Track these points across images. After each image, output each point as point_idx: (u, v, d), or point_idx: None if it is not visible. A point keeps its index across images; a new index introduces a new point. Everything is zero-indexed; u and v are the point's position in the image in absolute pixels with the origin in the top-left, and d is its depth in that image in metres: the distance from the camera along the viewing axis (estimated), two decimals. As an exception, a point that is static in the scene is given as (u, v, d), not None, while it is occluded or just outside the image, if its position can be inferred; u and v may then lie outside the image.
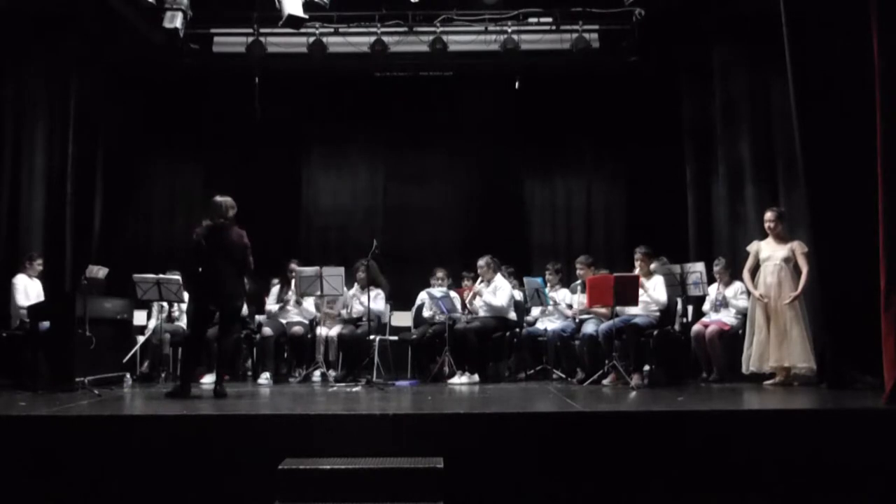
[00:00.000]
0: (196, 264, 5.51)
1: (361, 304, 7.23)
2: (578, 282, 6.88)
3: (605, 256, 9.09)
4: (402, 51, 8.66)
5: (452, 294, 7.18)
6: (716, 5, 7.65)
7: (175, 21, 6.80)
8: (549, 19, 8.53)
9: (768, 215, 6.15)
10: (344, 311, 7.40)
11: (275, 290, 7.46)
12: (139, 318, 7.39)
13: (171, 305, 7.30)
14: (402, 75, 9.33)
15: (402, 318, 7.89)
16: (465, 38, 8.63)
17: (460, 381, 6.56)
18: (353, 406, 4.88)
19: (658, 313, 6.42)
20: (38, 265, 6.92)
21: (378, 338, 7.25)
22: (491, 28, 8.51)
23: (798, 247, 5.95)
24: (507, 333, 7.25)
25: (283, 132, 9.41)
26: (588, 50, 8.48)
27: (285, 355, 7.47)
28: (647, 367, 6.43)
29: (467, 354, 6.73)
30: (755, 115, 7.43)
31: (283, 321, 7.28)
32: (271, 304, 7.41)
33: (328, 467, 3.79)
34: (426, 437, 4.02)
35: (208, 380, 6.37)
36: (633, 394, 5.62)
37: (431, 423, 4.18)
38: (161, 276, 6.91)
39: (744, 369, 6.11)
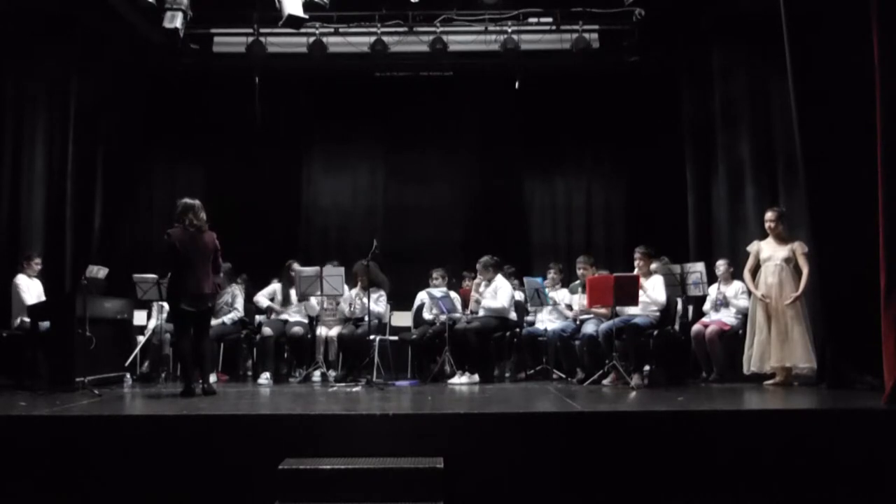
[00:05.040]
0: (170, 267, 5.51)
1: (363, 304, 7.22)
2: (578, 282, 6.88)
3: (605, 256, 9.10)
4: (402, 51, 8.67)
5: (452, 294, 7.18)
6: (716, 5, 7.66)
7: (175, 21, 6.79)
8: (549, 19, 8.55)
9: (768, 215, 6.15)
10: (347, 310, 7.38)
11: (270, 287, 7.45)
12: (139, 318, 7.38)
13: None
14: (402, 75, 9.34)
15: (402, 318, 7.89)
16: (465, 38, 8.65)
17: (460, 381, 6.56)
18: (353, 406, 4.87)
19: (658, 313, 6.42)
20: (37, 265, 6.92)
21: (378, 338, 7.25)
22: (491, 28, 8.52)
23: (799, 247, 5.95)
24: (507, 333, 7.25)
25: (283, 132, 9.43)
26: (588, 50, 8.49)
27: (285, 355, 7.46)
28: (647, 367, 6.43)
29: (467, 354, 6.73)
30: (755, 115, 7.43)
31: (283, 320, 7.28)
32: (261, 297, 7.37)
33: (328, 467, 3.80)
34: (426, 437, 4.02)
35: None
36: (633, 394, 5.62)
37: (431, 423, 4.18)
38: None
39: (745, 369, 6.11)
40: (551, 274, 7.27)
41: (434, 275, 7.36)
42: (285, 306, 7.34)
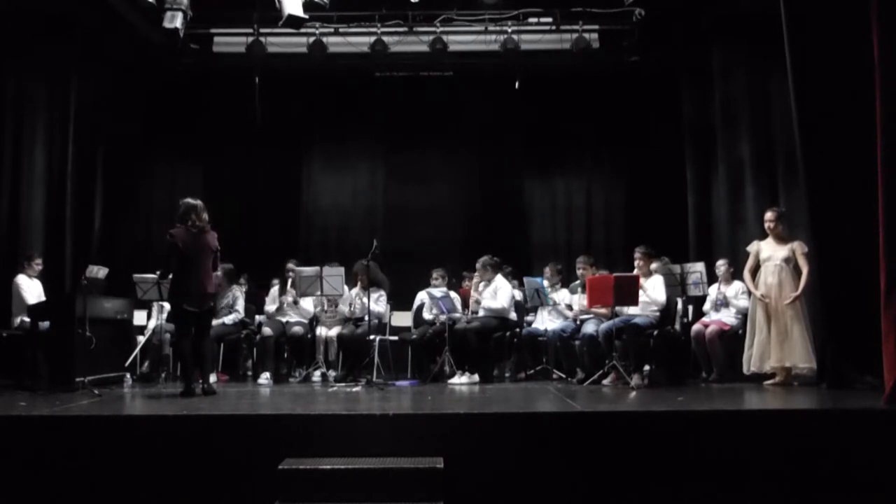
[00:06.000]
0: (172, 266, 5.51)
1: (363, 304, 7.22)
2: (578, 282, 6.88)
3: (605, 256, 9.11)
4: (402, 51, 8.68)
5: (452, 294, 7.18)
6: (716, 5, 7.66)
7: (175, 21, 6.79)
8: (549, 19, 8.55)
9: (768, 215, 6.15)
10: (347, 310, 7.38)
11: (274, 290, 7.46)
12: (139, 318, 7.39)
13: (171, 305, 7.29)
14: (402, 75, 9.34)
15: (402, 318, 7.88)
16: (465, 38, 8.65)
17: (460, 381, 6.56)
18: (353, 406, 4.87)
19: (658, 313, 6.41)
20: (38, 265, 6.91)
21: (378, 338, 7.25)
22: (491, 28, 8.52)
23: (798, 247, 5.95)
24: (507, 333, 7.25)
25: (283, 132, 9.43)
26: (588, 50, 8.49)
27: (285, 355, 7.46)
28: (647, 367, 6.43)
29: (467, 354, 6.73)
30: (755, 115, 7.43)
31: (283, 321, 7.28)
32: (269, 305, 7.40)
33: (328, 467, 3.79)
34: (426, 437, 4.02)
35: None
36: (633, 394, 5.62)
37: (431, 423, 4.18)
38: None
39: (745, 369, 6.11)
40: (547, 274, 7.26)
41: (434, 275, 7.36)
42: (281, 309, 7.33)
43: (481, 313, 6.98)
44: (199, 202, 5.62)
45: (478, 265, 7.03)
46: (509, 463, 3.97)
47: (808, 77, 5.48)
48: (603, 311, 6.51)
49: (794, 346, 5.86)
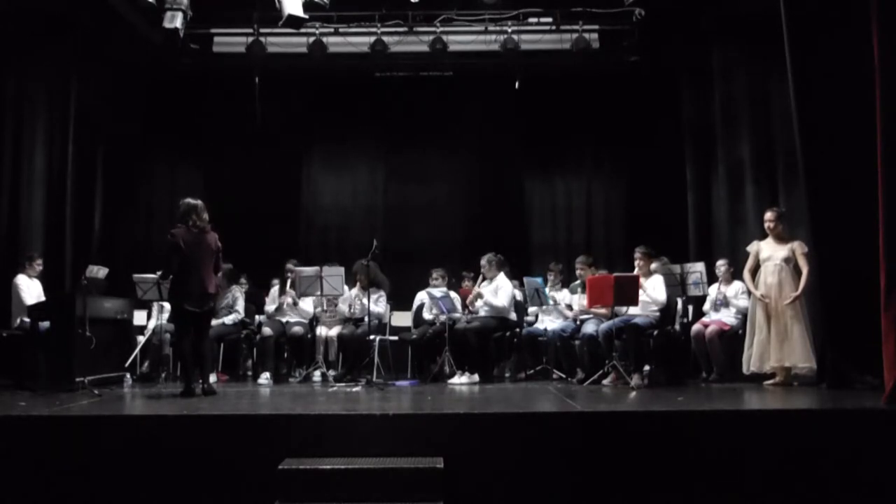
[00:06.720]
0: (173, 266, 5.51)
1: (363, 304, 7.22)
2: (578, 282, 6.88)
3: (605, 256, 9.11)
4: (402, 51, 8.68)
5: (452, 294, 7.18)
6: (716, 5, 7.66)
7: (175, 21, 6.79)
8: (549, 19, 8.56)
9: (768, 215, 6.15)
10: (346, 310, 7.38)
11: (274, 290, 7.46)
12: (139, 318, 7.39)
13: (171, 305, 7.28)
14: (402, 75, 9.35)
15: (402, 318, 7.89)
16: (465, 38, 8.66)
17: (460, 381, 6.56)
18: (353, 406, 4.87)
19: (658, 313, 6.41)
20: (38, 265, 6.92)
21: (378, 338, 7.25)
22: (491, 28, 8.53)
23: (798, 247, 5.95)
24: (507, 333, 7.25)
25: (283, 132, 9.43)
26: (588, 50, 8.50)
27: (285, 355, 7.46)
28: (647, 367, 6.43)
29: (467, 354, 6.73)
30: (755, 115, 7.43)
31: (283, 321, 7.28)
32: (269, 306, 7.40)
33: (328, 467, 3.80)
34: (426, 437, 4.02)
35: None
36: (633, 394, 5.62)
37: (431, 423, 4.18)
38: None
39: (744, 369, 6.11)
40: (551, 277, 7.27)
41: (434, 275, 7.37)
42: (281, 309, 7.33)
43: (482, 312, 6.98)
44: (199, 202, 5.63)
45: (482, 261, 7.03)
46: (509, 463, 3.97)
47: (808, 77, 5.48)
48: (603, 311, 6.51)
49: (794, 346, 5.86)
